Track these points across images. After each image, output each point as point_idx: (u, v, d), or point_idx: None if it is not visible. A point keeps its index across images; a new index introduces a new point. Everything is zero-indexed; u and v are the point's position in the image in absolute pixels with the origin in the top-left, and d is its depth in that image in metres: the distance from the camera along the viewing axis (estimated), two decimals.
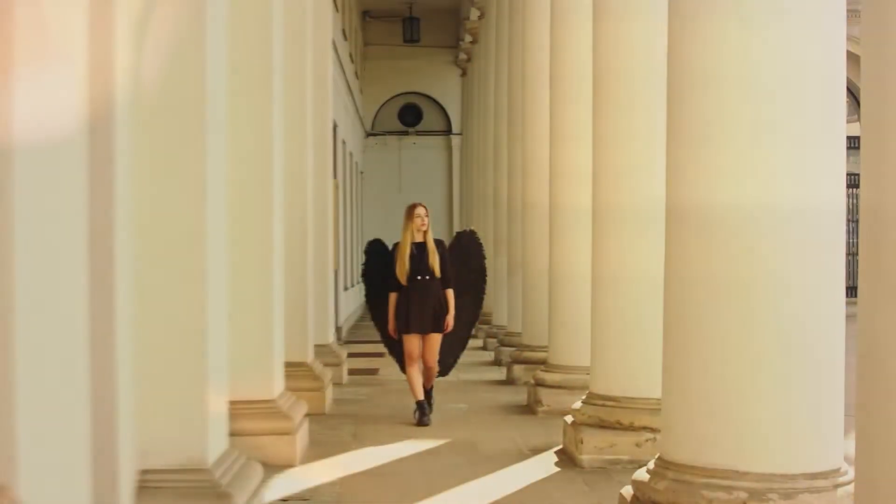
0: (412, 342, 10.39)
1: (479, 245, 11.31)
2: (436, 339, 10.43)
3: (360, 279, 11.73)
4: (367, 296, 11.29)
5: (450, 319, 10.37)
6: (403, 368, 10.74)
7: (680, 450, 5.51)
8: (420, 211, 10.33)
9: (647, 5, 8.07)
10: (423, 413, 10.22)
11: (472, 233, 11.48)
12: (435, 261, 10.23)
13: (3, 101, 3.22)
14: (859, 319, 3.32)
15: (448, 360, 11.08)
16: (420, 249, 10.27)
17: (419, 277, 10.22)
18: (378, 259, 10.81)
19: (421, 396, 10.33)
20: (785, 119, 5.23)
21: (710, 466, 5.33)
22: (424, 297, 10.24)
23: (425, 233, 10.29)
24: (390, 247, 10.63)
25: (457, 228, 29.23)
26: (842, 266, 5.38)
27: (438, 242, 10.39)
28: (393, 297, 10.37)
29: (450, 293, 10.36)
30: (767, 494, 5.16)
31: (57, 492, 3.61)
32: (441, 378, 11.22)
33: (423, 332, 10.35)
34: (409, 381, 10.45)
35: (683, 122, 5.57)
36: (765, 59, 5.24)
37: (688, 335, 5.50)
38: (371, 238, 11.28)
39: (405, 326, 10.32)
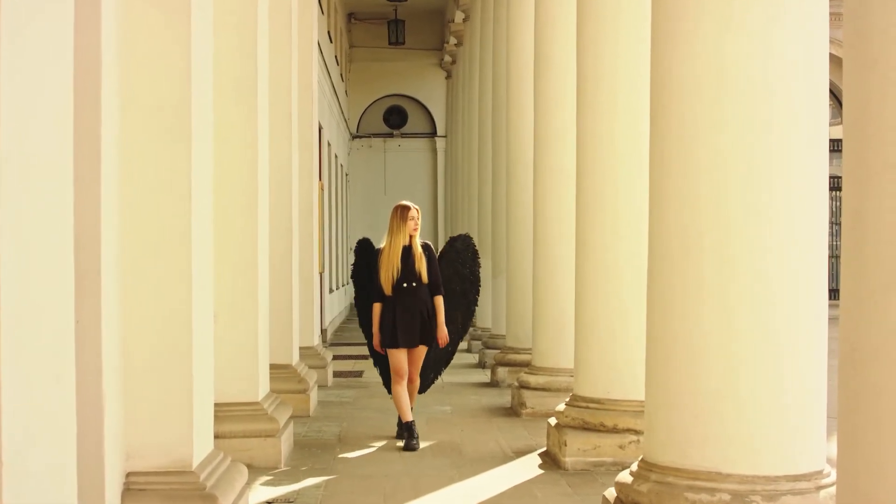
0: (399, 357, 9.39)
1: (475, 252, 10.38)
2: (422, 352, 9.50)
3: (350, 279, 10.59)
4: (356, 299, 10.23)
5: (442, 331, 9.44)
6: (388, 386, 9.95)
7: (663, 452, 5.53)
8: (413, 213, 9.35)
9: (631, 8, 8.10)
10: (410, 436, 9.20)
11: (468, 237, 10.50)
12: (422, 266, 9.31)
13: None
14: (841, 321, 3.33)
15: (429, 376, 10.21)
16: (406, 254, 9.33)
17: (405, 285, 9.27)
18: (363, 261, 9.95)
19: (409, 417, 9.31)
20: (768, 122, 5.25)
21: (693, 468, 5.35)
22: (412, 307, 9.30)
23: (412, 237, 9.37)
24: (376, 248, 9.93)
25: (442, 231, 29.30)
26: (824, 268, 5.40)
27: (425, 246, 9.46)
28: (377, 308, 9.41)
29: (439, 301, 9.42)
30: (750, 496, 5.18)
31: (43, 495, 3.61)
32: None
33: (412, 345, 9.39)
34: (396, 401, 9.45)
35: (667, 124, 5.59)
36: (747, 63, 5.26)
37: (671, 337, 5.52)
38: (359, 238, 10.34)
39: (391, 340, 9.34)
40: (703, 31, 5.35)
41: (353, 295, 10.36)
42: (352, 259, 10.47)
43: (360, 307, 10.06)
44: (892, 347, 3.08)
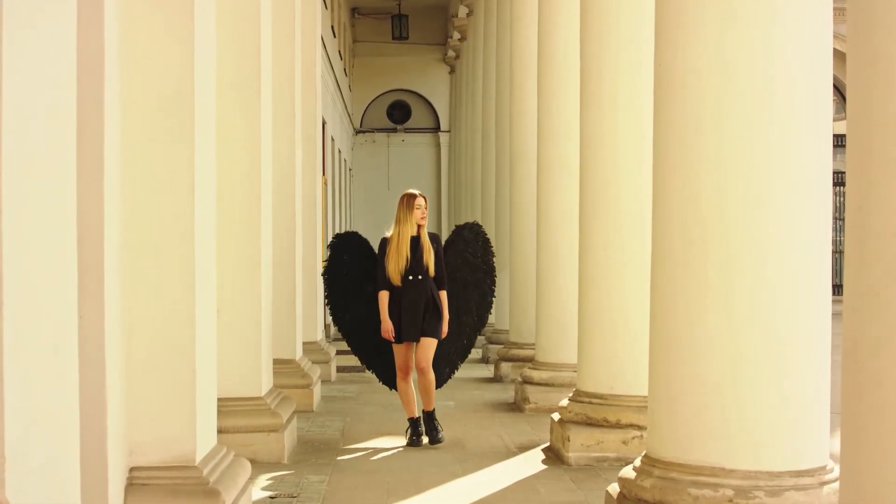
0: (403, 352, 9.14)
1: (487, 240, 9.89)
2: (429, 342, 9.07)
3: (322, 276, 9.98)
4: (328, 298, 9.81)
5: (444, 326, 9.11)
6: (387, 383, 9.72)
7: (666, 447, 5.53)
8: (421, 202, 9.05)
9: (634, 3, 8.09)
10: (416, 433, 9.08)
11: (476, 225, 10.06)
12: (430, 258, 8.99)
13: None
14: (844, 317, 3.33)
15: (444, 370, 9.75)
16: (414, 245, 9.02)
17: (411, 277, 8.97)
18: (350, 257, 9.58)
19: (416, 413, 9.16)
20: (769, 120, 5.25)
21: (696, 464, 5.35)
22: (416, 300, 8.98)
23: (420, 227, 9.07)
24: (370, 240, 9.63)
25: (445, 225, 29.26)
26: (827, 264, 5.40)
27: (433, 237, 9.18)
28: (384, 295, 9.01)
29: (443, 295, 9.12)
30: (753, 492, 5.18)
31: (46, 490, 3.62)
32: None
33: (416, 339, 9.05)
34: (402, 397, 9.23)
35: (670, 120, 5.59)
36: (749, 61, 5.25)
37: (674, 333, 5.52)
38: (342, 231, 9.88)
39: (395, 336, 9.05)
40: (705, 29, 5.35)
41: (325, 295, 9.87)
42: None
43: (335, 309, 9.73)
44: (893, 340, 3.08)
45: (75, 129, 3.90)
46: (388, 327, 8.99)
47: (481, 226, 10.23)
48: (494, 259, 10.03)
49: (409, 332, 9.04)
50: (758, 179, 5.24)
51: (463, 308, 9.57)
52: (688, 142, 5.44)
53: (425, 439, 9.16)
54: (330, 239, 10.24)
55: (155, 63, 5.43)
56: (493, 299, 10.07)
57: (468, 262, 9.69)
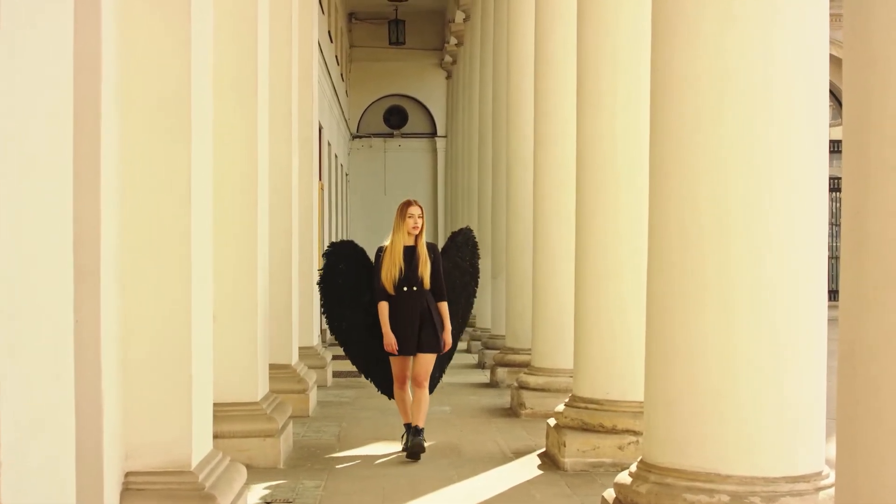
0: (399, 363, 8.98)
1: (475, 244, 9.87)
2: (427, 358, 8.88)
3: (317, 285, 9.85)
4: (324, 307, 9.64)
5: (447, 338, 8.95)
6: (385, 392, 9.57)
7: (662, 453, 5.52)
8: (414, 210, 8.80)
9: (632, 6, 8.09)
10: (408, 438, 8.87)
11: (468, 231, 9.98)
12: (426, 270, 8.77)
13: None
14: (840, 322, 3.33)
15: (434, 374, 9.37)
16: (410, 255, 8.81)
17: (405, 289, 8.76)
18: (347, 266, 9.45)
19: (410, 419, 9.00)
20: (767, 122, 5.25)
21: (692, 469, 5.34)
22: (411, 313, 8.78)
23: (417, 237, 8.85)
24: (366, 249, 9.52)
25: (442, 231, 29.27)
26: (824, 265, 5.40)
27: (431, 247, 8.96)
28: (384, 306, 8.80)
29: (444, 307, 8.95)
30: (749, 497, 5.17)
31: (43, 493, 3.61)
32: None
33: (411, 353, 8.86)
34: (399, 404, 9.15)
35: (668, 121, 5.58)
36: (748, 63, 5.25)
37: (670, 337, 5.51)
38: (338, 240, 10.01)
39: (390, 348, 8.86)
40: (704, 29, 5.35)
41: (321, 304, 9.71)
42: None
43: (332, 316, 9.56)
44: (890, 345, 3.07)
45: (72, 131, 3.90)
46: (390, 340, 8.78)
47: (472, 230, 10.20)
48: (480, 261, 10.00)
49: (404, 346, 8.84)
50: (757, 180, 5.24)
51: (451, 311, 9.33)
52: (686, 142, 5.43)
53: None
54: (325, 246, 10.19)
55: (153, 63, 5.42)
56: (474, 300, 10.00)
57: (458, 266, 9.60)
